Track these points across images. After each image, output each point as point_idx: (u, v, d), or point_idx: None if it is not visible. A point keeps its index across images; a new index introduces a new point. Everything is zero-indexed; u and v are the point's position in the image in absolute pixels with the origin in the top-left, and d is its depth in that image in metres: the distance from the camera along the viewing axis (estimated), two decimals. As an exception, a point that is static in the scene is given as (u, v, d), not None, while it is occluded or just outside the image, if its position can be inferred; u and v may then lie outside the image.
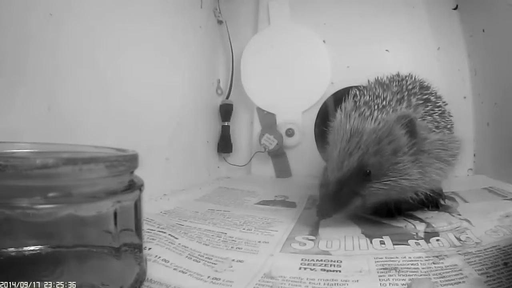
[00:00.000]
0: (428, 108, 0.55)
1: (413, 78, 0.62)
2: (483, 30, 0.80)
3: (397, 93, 0.54)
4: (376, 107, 0.51)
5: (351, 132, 0.49)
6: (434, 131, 0.53)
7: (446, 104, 0.61)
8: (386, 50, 0.90)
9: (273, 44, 0.94)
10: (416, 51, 0.90)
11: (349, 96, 0.57)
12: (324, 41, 0.93)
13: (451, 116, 0.60)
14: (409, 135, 0.49)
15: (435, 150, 0.51)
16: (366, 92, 0.56)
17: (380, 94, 0.54)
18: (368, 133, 0.48)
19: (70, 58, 0.51)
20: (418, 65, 0.85)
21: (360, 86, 0.61)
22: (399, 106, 0.52)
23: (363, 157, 0.48)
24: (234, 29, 0.99)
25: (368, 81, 0.64)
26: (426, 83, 0.62)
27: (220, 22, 0.99)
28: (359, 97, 0.55)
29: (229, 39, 0.97)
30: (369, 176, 0.48)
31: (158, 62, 0.72)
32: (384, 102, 0.52)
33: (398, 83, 0.59)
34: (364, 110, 0.51)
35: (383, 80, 0.62)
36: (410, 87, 0.57)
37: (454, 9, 0.89)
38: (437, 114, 0.55)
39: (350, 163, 0.48)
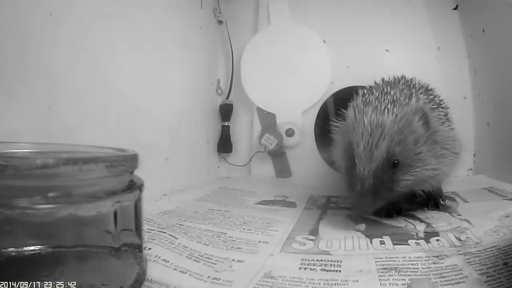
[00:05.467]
0: (434, 107, 0.57)
1: (418, 81, 0.64)
2: (483, 30, 0.80)
3: (405, 90, 0.56)
4: (387, 101, 0.52)
5: (371, 126, 0.50)
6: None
7: (448, 108, 0.63)
8: (386, 50, 0.90)
9: (273, 44, 0.94)
10: (416, 51, 0.90)
11: (358, 95, 0.58)
12: (324, 41, 0.93)
13: (452, 121, 0.61)
14: (425, 126, 0.51)
15: (446, 141, 0.54)
16: (375, 91, 0.57)
17: (388, 91, 0.56)
18: (389, 125, 0.49)
19: (70, 58, 0.51)
20: (418, 65, 0.86)
21: (366, 86, 0.63)
22: (410, 101, 0.53)
23: (389, 146, 0.49)
24: (234, 29, 0.98)
25: (375, 81, 0.65)
26: (429, 87, 0.64)
27: (220, 22, 0.99)
28: (367, 95, 0.56)
29: (229, 39, 0.97)
30: (397, 168, 0.49)
31: (158, 62, 0.71)
32: (394, 97, 0.53)
33: (404, 82, 0.61)
34: (376, 104, 0.51)
35: (390, 80, 0.64)
36: (417, 86, 0.60)
37: (454, 9, 0.89)
38: (442, 114, 0.58)
39: (379, 154, 0.49)
